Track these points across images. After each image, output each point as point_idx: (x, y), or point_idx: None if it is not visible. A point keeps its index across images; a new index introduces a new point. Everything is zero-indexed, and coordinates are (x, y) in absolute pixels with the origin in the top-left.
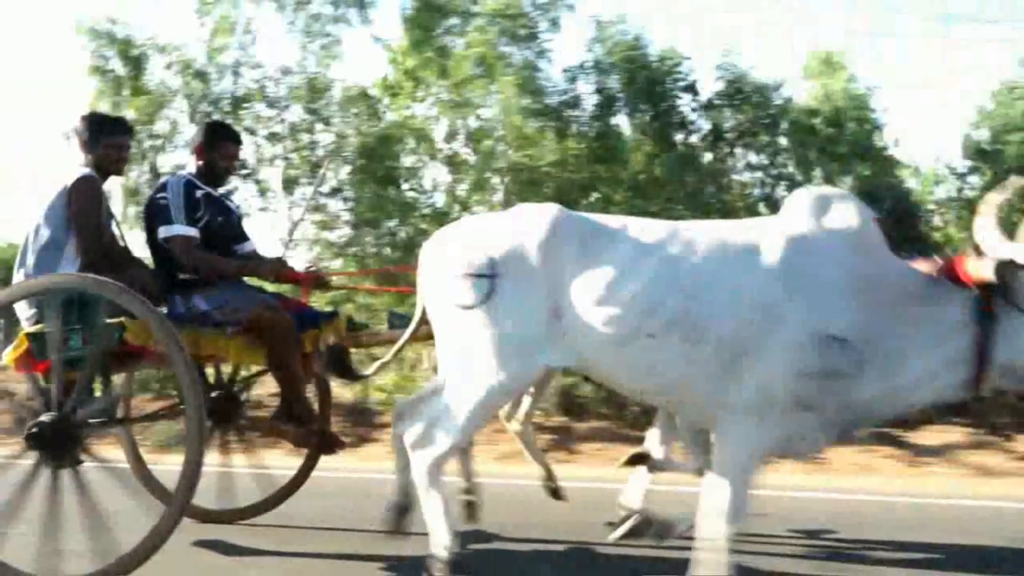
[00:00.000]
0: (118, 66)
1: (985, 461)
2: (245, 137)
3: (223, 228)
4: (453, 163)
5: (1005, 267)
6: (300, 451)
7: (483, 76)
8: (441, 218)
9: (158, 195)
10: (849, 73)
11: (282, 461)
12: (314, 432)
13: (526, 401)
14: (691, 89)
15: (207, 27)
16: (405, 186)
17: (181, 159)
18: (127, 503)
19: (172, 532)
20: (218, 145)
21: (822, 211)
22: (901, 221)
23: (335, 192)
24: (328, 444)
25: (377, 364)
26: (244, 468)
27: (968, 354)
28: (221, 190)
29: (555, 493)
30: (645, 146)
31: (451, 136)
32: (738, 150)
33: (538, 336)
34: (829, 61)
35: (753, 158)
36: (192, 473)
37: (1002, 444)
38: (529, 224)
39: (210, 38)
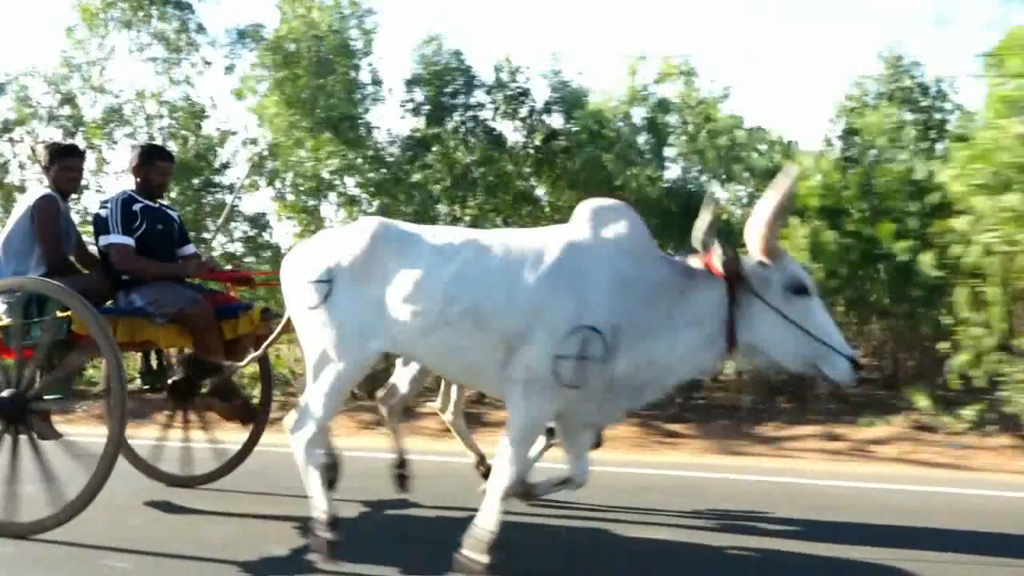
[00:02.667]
0: None
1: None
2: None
3: (162, 235)
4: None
5: (730, 263)
6: (247, 427)
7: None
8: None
9: (100, 209)
10: (645, 79)
11: (234, 436)
12: (237, 406)
13: (454, 392)
14: (523, 95)
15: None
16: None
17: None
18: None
19: (101, 488)
20: (151, 163)
21: (597, 220)
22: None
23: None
24: (248, 415)
25: (249, 358)
26: (202, 442)
27: (721, 335)
28: (161, 202)
29: (487, 475)
30: (459, 152)
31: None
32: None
33: (367, 327)
34: (633, 70)
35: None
36: (116, 439)
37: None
38: (356, 235)
39: (62, 66)
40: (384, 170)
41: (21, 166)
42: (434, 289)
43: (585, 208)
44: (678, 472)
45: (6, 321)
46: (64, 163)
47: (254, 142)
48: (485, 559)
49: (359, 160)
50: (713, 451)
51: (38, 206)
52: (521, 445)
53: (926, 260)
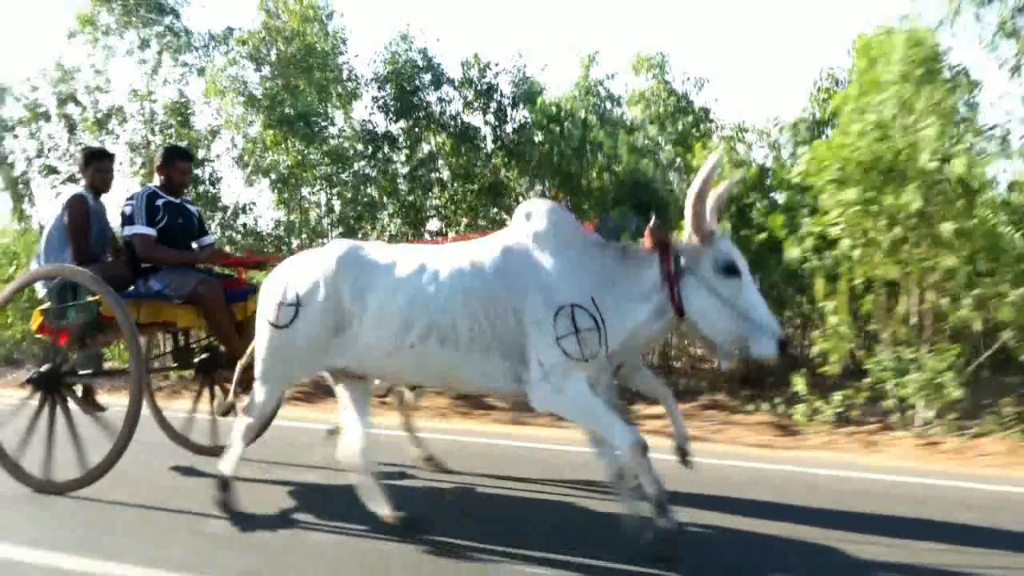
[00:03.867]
0: None
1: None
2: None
3: (182, 228)
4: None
5: (656, 232)
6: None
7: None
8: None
9: (126, 203)
10: (591, 76)
11: None
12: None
13: (409, 395)
14: (490, 91)
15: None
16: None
17: None
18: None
19: (123, 453)
20: (173, 164)
21: (531, 220)
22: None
23: None
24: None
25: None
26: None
27: (667, 305)
28: (183, 198)
29: (430, 461)
30: (423, 144)
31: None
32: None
33: (319, 349)
34: (586, 65)
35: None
36: (135, 408)
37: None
38: (321, 264)
39: (56, 70)
40: (339, 166)
41: (28, 160)
42: (391, 316)
43: (519, 211)
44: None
45: (47, 304)
46: (97, 165)
47: (245, 137)
48: (667, 521)
49: (313, 156)
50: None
51: (69, 204)
52: (601, 421)
53: (794, 251)
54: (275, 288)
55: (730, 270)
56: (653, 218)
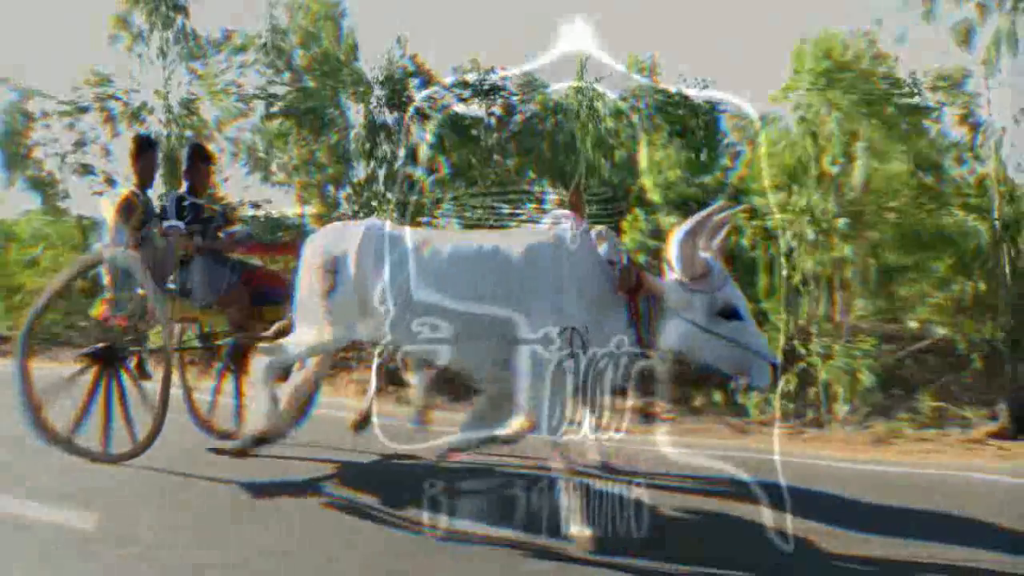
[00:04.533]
0: None
1: None
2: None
3: (205, 223)
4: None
5: (623, 277)
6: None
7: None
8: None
9: (161, 201)
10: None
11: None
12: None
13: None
14: (492, 91)
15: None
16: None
17: None
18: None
19: (160, 431)
20: (194, 166)
21: (559, 227)
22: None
23: None
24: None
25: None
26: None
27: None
28: (205, 200)
29: (358, 425)
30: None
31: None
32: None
33: (351, 320)
34: (580, 67)
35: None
36: (166, 387)
37: None
38: (350, 240)
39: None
40: (343, 163)
41: (61, 157)
42: (398, 288)
43: (549, 218)
44: None
45: (109, 295)
46: (146, 156)
47: (252, 131)
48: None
49: (319, 151)
50: None
51: (121, 201)
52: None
53: (743, 241)
54: (316, 254)
55: (731, 314)
56: (626, 259)
